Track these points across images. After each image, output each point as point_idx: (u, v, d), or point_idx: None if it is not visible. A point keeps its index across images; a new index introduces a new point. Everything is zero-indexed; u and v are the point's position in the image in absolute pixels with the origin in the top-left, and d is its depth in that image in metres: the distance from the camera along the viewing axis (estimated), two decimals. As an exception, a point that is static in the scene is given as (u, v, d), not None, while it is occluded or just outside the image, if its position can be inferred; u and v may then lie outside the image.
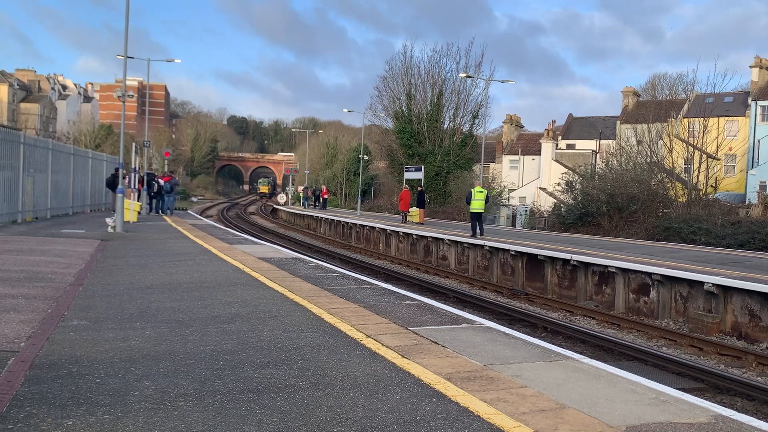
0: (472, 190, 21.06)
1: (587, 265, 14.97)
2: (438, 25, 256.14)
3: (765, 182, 40.91)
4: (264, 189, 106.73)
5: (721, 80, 65.25)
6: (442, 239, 21.66)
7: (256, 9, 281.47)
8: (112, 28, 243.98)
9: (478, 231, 20.67)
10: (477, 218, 20.85)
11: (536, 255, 16.50)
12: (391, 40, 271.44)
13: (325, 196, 50.48)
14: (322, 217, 37.81)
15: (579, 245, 19.08)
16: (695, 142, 31.43)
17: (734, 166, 46.14)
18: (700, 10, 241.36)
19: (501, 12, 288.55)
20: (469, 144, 46.04)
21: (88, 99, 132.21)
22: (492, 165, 60.69)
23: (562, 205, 34.16)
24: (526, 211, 37.89)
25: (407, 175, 36.96)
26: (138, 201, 26.14)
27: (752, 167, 43.49)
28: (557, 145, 54.52)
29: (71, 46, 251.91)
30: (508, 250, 17.89)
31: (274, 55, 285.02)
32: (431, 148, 45.60)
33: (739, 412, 4.94)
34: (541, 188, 49.36)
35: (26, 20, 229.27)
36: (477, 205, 20.53)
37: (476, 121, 46.82)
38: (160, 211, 28.73)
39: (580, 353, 7.47)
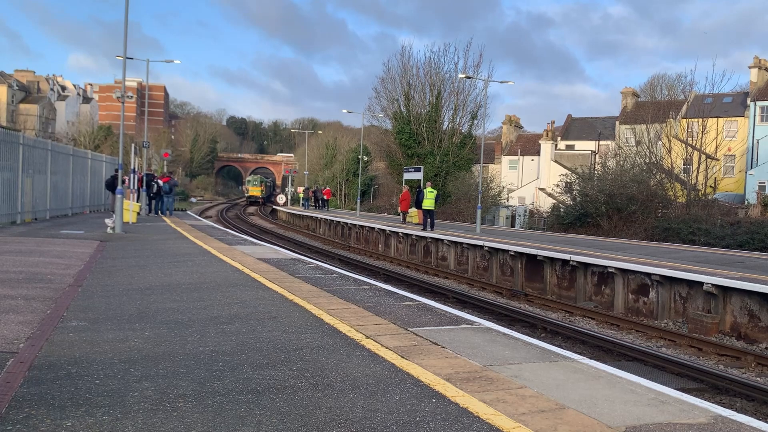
0: (425, 190, 24.25)
1: (586, 265, 14.97)
2: (442, 17, 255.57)
3: (764, 182, 40.93)
4: (255, 191, 79.05)
5: (719, 80, 65.30)
6: (442, 240, 21.66)
7: (251, 0, 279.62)
8: (101, 21, 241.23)
9: (428, 225, 23.68)
10: (429, 214, 23.94)
11: (535, 255, 16.51)
12: (394, 33, 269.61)
13: (328, 198, 50.63)
14: (321, 218, 37.81)
15: (578, 246, 19.09)
16: (694, 142, 31.47)
17: (733, 166, 46.17)
18: (707, 6, 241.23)
19: (508, 4, 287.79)
20: (468, 144, 46.06)
21: (87, 100, 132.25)
22: (491, 165, 60.73)
23: (561, 205, 34.19)
24: (525, 211, 37.92)
25: (407, 176, 37.00)
26: (137, 202, 26.13)
27: (751, 168, 43.52)
28: (556, 145, 54.58)
29: (61, 42, 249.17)
30: (508, 251, 17.89)
31: (271, 50, 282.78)
32: (430, 149, 45.61)
33: (738, 412, 4.94)
34: (540, 189, 49.40)
35: (13, 14, 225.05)
36: (428, 203, 23.83)
37: (475, 121, 46.88)
38: (159, 212, 28.71)
39: (580, 354, 7.47)
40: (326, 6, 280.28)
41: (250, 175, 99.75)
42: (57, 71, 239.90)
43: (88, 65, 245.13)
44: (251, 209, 69.70)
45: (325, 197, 51.17)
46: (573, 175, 35.91)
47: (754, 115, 45.71)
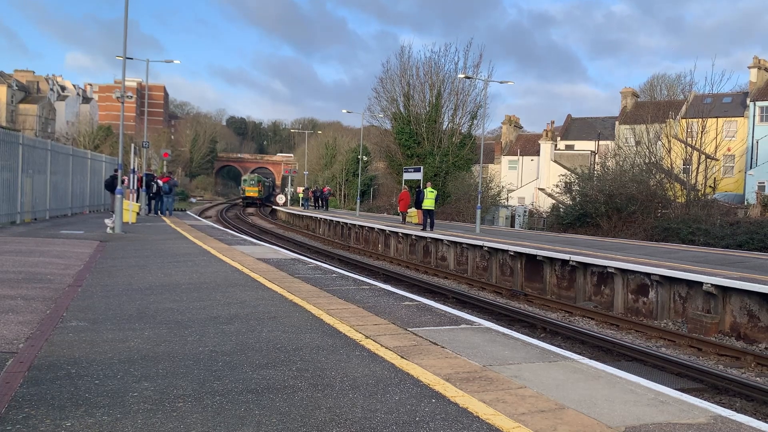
0: (425, 190, 24.21)
1: (586, 265, 14.97)
2: (443, 15, 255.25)
3: (763, 182, 40.95)
4: (252, 191, 72.35)
5: (719, 80, 65.03)
6: (441, 240, 21.66)
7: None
8: (99, 20, 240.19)
9: (428, 225, 23.68)
10: (429, 214, 23.92)
11: (535, 255, 16.50)
12: (394, 31, 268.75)
13: (327, 194, 50.62)
14: (320, 218, 37.81)
15: (577, 246, 19.09)
16: (694, 142, 31.46)
17: (733, 166, 46.18)
18: (708, 5, 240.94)
19: (509, 2, 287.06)
20: (467, 145, 46.07)
21: (86, 100, 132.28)
22: (491, 165, 60.75)
23: (560, 205, 34.20)
24: (524, 211, 37.92)
25: (406, 176, 37.02)
26: (137, 202, 26.12)
27: (751, 168, 43.54)
28: (556, 145, 54.59)
29: (59, 42, 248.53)
30: (507, 251, 17.89)
31: (270, 48, 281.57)
32: (430, 149, 45.62)
33: (738, 412, 4.94)
34: (539, 189, 49.41)
35: (10, 13, 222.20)
36: (428, 203, 23.84)
37: (475, 121, 46.90)
38: (159, 212, 28.70)
39: (579, 354, 7.47)
40: (326, 4, 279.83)
41: (247, 174, 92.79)
42: (55, 71, 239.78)
43: (86, 64, 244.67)
44: (250, 209, 69.11)
45: (327, 197, 51.10)
46: (572, 175, 35.93)
47: (754, 115, 45.72)
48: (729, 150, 42.87)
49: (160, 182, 28.85)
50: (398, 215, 33.56)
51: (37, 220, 20.90)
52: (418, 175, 34.97)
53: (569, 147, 56.85)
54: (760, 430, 3.93)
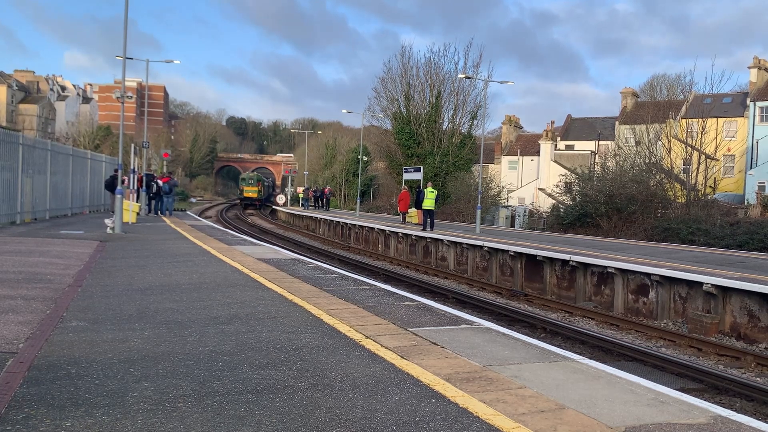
0: (425, 190, 24.20)
1: (586, 265, 14.97)
2: (444, 14, 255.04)
3: (763, 183, 40.94)
4: (251, 191, 66.53)
5: (719, 80, 65.00)
6: (441, 240, 21.66)
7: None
8: (97, 18, 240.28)
9: (428, 225, 23.65)
10: (429, 214, 23.90)
11: (535, 256, 16.50)
12: (395, 29, 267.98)
13: (327, 194, 50.52)
14: (321, 218, 37.82)
15: (577, 246, 19.09)
16: (694, 142, 31.47)
17: (733, 166, 46.17)
18: (709, 4, 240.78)
19: (511, 0, 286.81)
20: (467, 145, 46.09)
21: (87, 100, 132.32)
22: (491, 166, 60.72)
23: (560, 206, 34.20)
24: (524, 211, 37.92)
25: (406, 176, 37.03)
26: (137, 202, 26.12)
27: (751, 168, 43.52)
28: (556, 145, 54.59)
29: (58, 41, 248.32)
30: (507, 251, 17.89)
31: (270, 47, 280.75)
32: (430, 149, 45.64)
33: (738, 412, 4.94)
34: (539, 189, 49.40)
35: (8, 12, 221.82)
36: (428, 203, 23.82)
37: (475, 121, 46.96)
38: (159, 212, 28.70)
39: (579, 354, 7.47)
40: (326, 2, 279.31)
41: (246, 173, 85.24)
42: (54, 70, 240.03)
43: (84, 64, 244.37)
44: (250, 209, 68.11)
45: (328, 197, 51.05)
46: (572, 175, 35.93)
47: (754, 116, 45.71)
48: (729, 150, 42.87)
49: (160, 182, 28.85)
50: (398, 215, 33.57)
51: (37, 220, 20.89)
52: (418, 175, 34.97)
53: (569, 147, 56.84)
54: (760, 430, 3.93)
